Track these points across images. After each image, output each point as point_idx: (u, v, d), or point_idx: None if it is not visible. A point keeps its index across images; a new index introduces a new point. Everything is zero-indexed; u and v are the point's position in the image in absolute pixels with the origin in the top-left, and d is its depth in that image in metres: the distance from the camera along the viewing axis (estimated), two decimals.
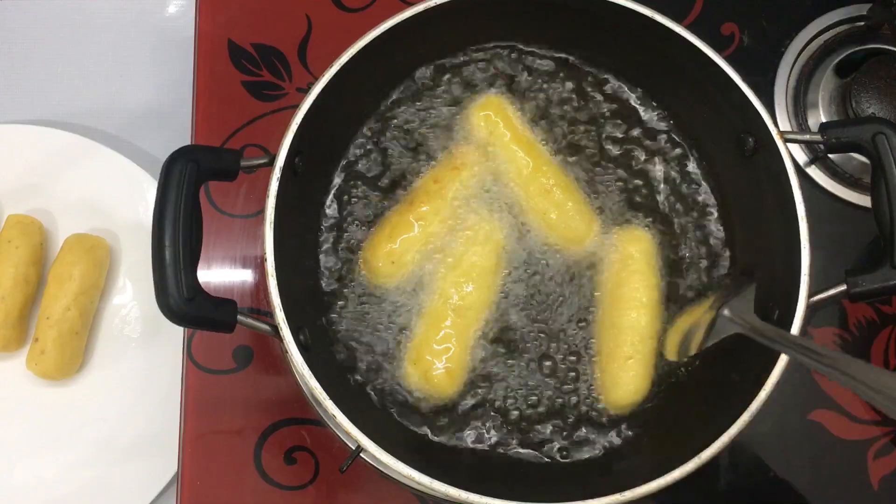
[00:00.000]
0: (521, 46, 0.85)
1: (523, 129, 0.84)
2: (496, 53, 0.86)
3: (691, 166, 0.84)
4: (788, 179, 0.72)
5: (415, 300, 0.79)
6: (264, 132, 0.94)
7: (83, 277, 0.97)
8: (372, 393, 0.77)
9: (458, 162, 0.82)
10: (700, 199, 0.83)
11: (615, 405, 0.77)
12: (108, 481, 0.96)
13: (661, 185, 0.83)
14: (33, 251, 0.99)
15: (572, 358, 0.79)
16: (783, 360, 0.68)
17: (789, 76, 0.98)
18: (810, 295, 0.69)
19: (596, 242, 0.81)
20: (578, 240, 0.81)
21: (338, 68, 0.73)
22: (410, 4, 0.76)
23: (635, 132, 0.85)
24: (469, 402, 0.78)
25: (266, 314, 0.88)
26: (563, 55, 0.86)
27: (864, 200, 0.93)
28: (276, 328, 0.67)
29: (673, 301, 0.80)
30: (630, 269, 0.80)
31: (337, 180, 0.82)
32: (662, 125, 0.85)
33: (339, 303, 0.79)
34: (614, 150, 0.84)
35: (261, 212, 0.70)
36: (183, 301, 0.63)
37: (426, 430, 0.77)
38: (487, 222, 0.81)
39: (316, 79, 0.73)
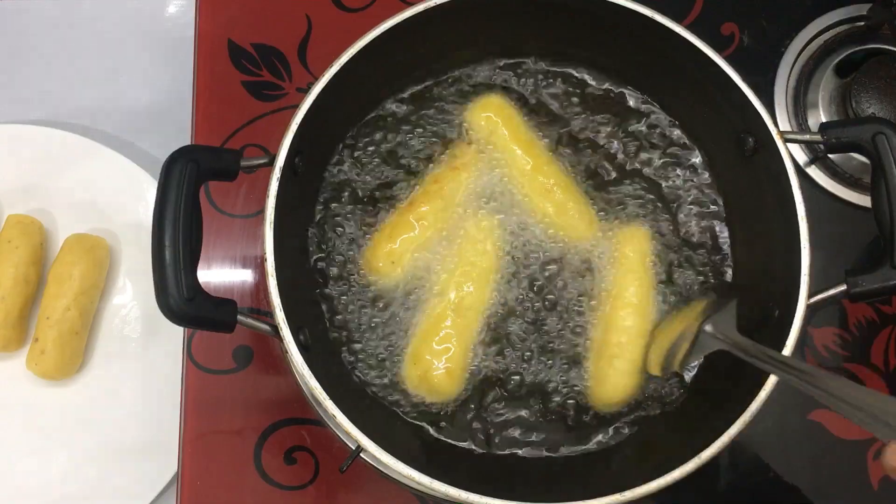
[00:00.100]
0: (521, 46, 0.85)
1: (523, 130, 0.84)
2: (496, 53, 0.86)
3: (691, 166, 0.84)
4: (788, 179, 0.71)
5: (414, 300, 0.79)
6: (264, 132, 0.93)
7: (83, 277, 0.97)
8: (372, 393, 0.78)
9: (458, 162, 0.82)
10: (700, 198, 0.83)
11: (603, 403, 0.77)
12: (108, 481, 0.96)
13: (661, 185, 0.83)
14: (33, 251, 0.99)
15: (571, 358, 0.79)
16: None
17: (789, 76, 0.97)
18: (810, 295, 0.69)
19: (596, 242, 0.81)
20: (579, 239, 0.81)
21: (338, 68, 0.73)
22: (410, 4, 0.76)
23: (635, 132, 0.85)
24: (469, 401, 0.78)
25: (266, 314, 0.88)
26: (562, 55, 0.86)
27: (864, 200, 0.93)
28: (276, 328, 0.67)
29: (668, 302, 0.80)
30: (625, 268, 0.80)
31: (336, 180, 0.82)
32: (662, 125, 0.85)
33: (340, 302, 0.79)
34: (613, 151, 0.84)
35: (261, 212, 0.70)
36: (183, 301, 0.63)
37: (426, 430, 0.77)
38: (487, 222, 0.81)
39: (316, 79, 0.73)
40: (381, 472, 0.80)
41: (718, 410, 0.71)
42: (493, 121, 0.83)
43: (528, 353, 0.79)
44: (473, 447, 0.77)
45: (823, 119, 0.95)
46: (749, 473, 0.87)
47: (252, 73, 0.96)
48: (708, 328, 0.70)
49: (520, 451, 0.77)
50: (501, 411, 0.78)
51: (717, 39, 0.97)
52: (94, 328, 1.01)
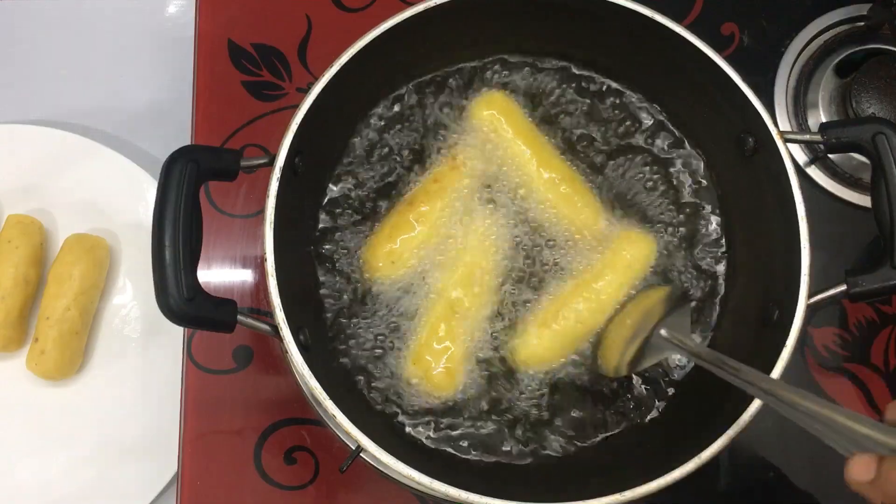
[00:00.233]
0: (521, 46, 0.85)
1: (527, 126, 0.84)
2: (496, 53, 0.86)
3: (691, 166, 0.84)
4: (788, 179, 0.72)
5: (415, 300, 0.79)
6: (264, 132, 0.94)
7: (83, 277, 0.97)
8: (372, 393, 0.78)
9: (457, 161, 0.82)
10: (699, 198, 0.83)
11: (521, 359, 0.78)
12: (108, 481, 0.96)
13: (661, 184, 0.83)
14: (33, 251, 0.99)
15: (573, 356, 0.79)
16: (783, 360, 0.68)
17: (789, 76, 0.98)
18: (810, 295, 0.69)
19: (600, 238, 0.81)
20: (583, 234, 0.81)
21: (338, 68, 0.73)
22: (410, 4, 0.76)
23: (634, 132, 0.85)
24: (469, 401, 0.78)
25: (266, 314, 0.88)
26: (562, 55, 0.86)
27: (864, 200, 0.93)
28: (276, 328, 0.67)
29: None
30: (613, 263, 0.79)
31: (336, 180, 0.82)
32: (661, 125, 0.85)
33: (340, 302, 0.79)
34: (613, 150, 0.84)
35: (261, 212, 0.70)
36: (183, 301, 0.63)
37: (427, 430, 0.77)
38: (488, 221, 0.81)
39: (316, 79, 0.73)
40: (381, 472, 0.80)
41: (718, 410, 0.71)
42: (496, 117, 0.83)
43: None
44: (474, 447, 0.77)
45: (823, 119, 0.95)
46: (749, 473, 0.87)
47: (252, 73, 0.96)
48: (663, 332, 0.70)
49: (520, 451, 0.77)
50: (502, 410, 0.78)
51: (717, 39, 0.97)
52: (94, 328, 1.01)
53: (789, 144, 0.73)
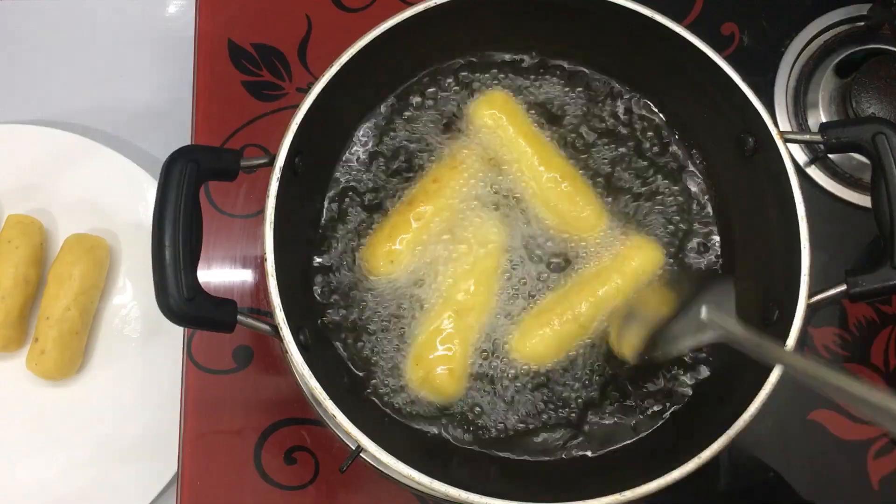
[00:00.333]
0: (521, 46, 0.85)
1: (528, 125, 0.84)
2: (496, 53, 0.86)
3: (690, 166, 0.84)
4: (788, 179, 0.72)
5: (415, 300, 0.79)
6: (264, 132, 0.94)
7: (83, 277, 0.97)
8: (372, 393, 0.78)
9: (457, 161, 0.82)
10: (699, 198, 0.83)
11: (522, 359, 0.78)
12: (108, 481, 0.96)
13: (660, 184, 0.83)
14: (33, 251, 0.99)
15: (573, 357, 0.79)
16: None
17: (789, 76, 0.98)
18: (810, 295, 0.69)
19: (602, 237, 0.81)
20: (585, 234, 0.81)
21: (338, 68, 0.73)
22: (410, 4, 0.76)
23: (634, 132, 0.85)
24: (470, 402, 0.77)
25: (266, 314, 0.88)
26: (562, 55, 0.86)
27: (864, 200, 0.93)
28: (276, 328, 0.67)
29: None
30: (618, 269, 0.79)
31: (337, 180, 0.82)
32: (661, 125, 0.85)
33: (340, 302, 0.79)
34: (613, 149, 0.84)
35: (261, 212, 0.70)
36: (183, 301, 0.63)
37: (427, 430, 0.77)
38: (488, 221, 0.81)
39: (316, 79, 0.73)
40: (381, 472, 0.80)
41: (718, 410, 0.71)
42: (497, 116, 0.83)
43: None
44: (474, 447, 0.77)
45: (823, 119, 0.95)
46: (749, 473, 0.87)
47: (252, 73, 0.96)
48: (704, 315, 0.64)
49: (521, 451, 0.77)
50: (503, 411, 0.78)
51: (717, 39, 0.97)
52: (94, 328, 1.01)
53: (789, 144, 0.73)
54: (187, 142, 0.94)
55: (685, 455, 0.66)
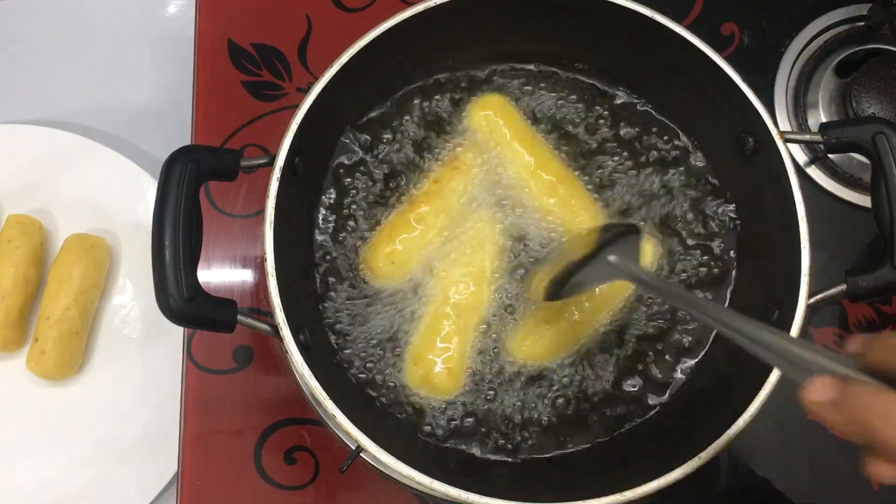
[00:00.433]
0: (521, 46, 0.85)
1: (524, 127, 0.84)
2: (496, 53, 0.86)
3: (690, 166, 0.84)
4: (788, 179, 0.72)
5: (415, 300, 0.79)
6: (264, 132, 0.94)
7: (83, 277, 0.97)
8: (372, 393, 0.78)
9: (458, 162, 0.82)
10: (699, 198, 0.83)
11: (521, 359, 0.78)
12: (108, 481, 0.96)
13: (660, 184, 0.83)
14: (33, 251, 0.99)
15: (572, 356, 0.79)
16: None
17: (789, 76, 0.98)
18: (810, 295, 0.69)
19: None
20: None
21: (338, 68, 0.73)
22: (410, 4, 0.76)
23: (634, 131, 0.85)
24: (470, 401, 0.78)
25: (266, 314, 0.88)
26: (562, 55, 0.86)
27: (864, 200, 0.93)
28: (276, 328, 0.67)
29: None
30: None
31: (336, 180, 0.82)
32: (661, 125, 0.85)
33: (340, 303, 0.79)
34: (612, 149, 0.84)
35: (261, 212, 0.70)
36: (183, 301, 0.63)
37: (426, 430, 0.77)
38: (488, 222, 0.81)
39: (316, 79, 0.73)
40: (381, 472, 0.80)
41: (718, 410, 0.71)
42: (493, 119, 0.83)
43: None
44: (474, 447, 0.77)
45: (823, 119, 0.95)
46: (749, 473, 0.87)
47: (252, 73, 0.96)
48: (611, 258, 0.69)
49: (521, 451, 0.77)
50: (503, 410, 0.77)
51: (717, 39, 0.97)
52: (94, 328, 1.01)
53: (789, 144, 0.73)
54: (187, 142, 0.94)
55: (685, 455, 0.66)
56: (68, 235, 1.00)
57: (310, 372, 0.66)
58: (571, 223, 0.81)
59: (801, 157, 0.95)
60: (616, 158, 0.84)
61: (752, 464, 0.87)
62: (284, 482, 0.85)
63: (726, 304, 0.81)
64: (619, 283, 0.79)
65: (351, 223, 0.81)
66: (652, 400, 0.78)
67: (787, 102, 0.97)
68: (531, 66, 0.86)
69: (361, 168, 0.83)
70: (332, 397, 0.66)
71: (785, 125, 0.96)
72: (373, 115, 0.84)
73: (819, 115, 0.96)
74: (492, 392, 0.78)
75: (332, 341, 0.78)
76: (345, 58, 0.74)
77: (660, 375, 0.79)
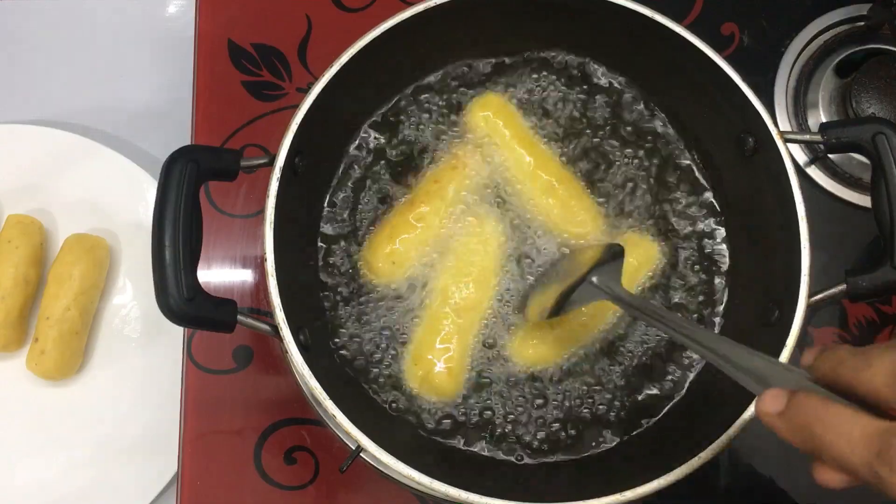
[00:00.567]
0: (521, 46, 0.85)
1: (523, 128, 0.84)
2: (496, 53, 0.86)
3: (689, 166, 0.84)
4: (788, 179, 0.72)
5: (415, 300, 0.79)
6: (264, 132, 0.94)
7: (83, 277, 0.97)
8: (372, 393, 0.78)
9: (458, 162, 0.82)
10: (698, 199, 0.83)
11: (522, 359, 0.78)
12: (108, 481, 0.96)
13: (660, 184, 0.83)
14: (33, 251, 0.99)
15: (573, 358, 0.79)
16: (783, 360, 0.68)
17: (789, 76, 0.98)
18: (810, 295, 0.69)
19: (599, 239, 0.81)
20: (582, 236, 0.81)
21: (338, 68, 0.73)
22: (410, 4, 0.76)
23: (634, 132, 0.85)
24: (470, 401, 0.78)
25: (266, 314, 0.88)
26: (562, 55, 0.86)
27: (864, 200, 0.93)
28: (276, 328, 0.67)
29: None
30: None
31: (336, 180, 0.82)
32: (661, 125, 0.85)
33: (340, 303, 0.79)
34: (611, 149, 0.84)
35: (261, 212, 0.70)
36: (183, 301, 0.63)
37: (426, 430, 0.77)
38: (488, 222, 0.81)
39: (316, 79, 0.73)
40: (381, 472, 0.79)
41: (718, 410, 0.71)
42: (492, 120, 0.83)
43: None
44: (474, 447, 0.77)
45: (823, 119, 0.95)
46: (749, 473, 0.87)
47: (252, 73, 0.96)
48: (594, 279, 0.71)
49: (521, 452, 0.77)
50: (503, 410, 0.78)
51: (717, 39, 0.97)
52: (94, 328, 1.01)
53: (789, 144, 0.73)
54: (187, 142, 0.94)
55: (685, 455, 0.66)
56: (68, 235, 1.00)
57: (310, 372, 0.66)
58: (570, 223, 0.81)
59: (801, 157, 0.95)
60: (615, 159, 0.84)
61: (752, 464, 0.87)
62: (284, 482, 0.85)
63: (725, 304, 0.81)
64: None
65: (351, 223, 0.81)
66: (652, 400, 0.78)
67: (787, 102, 0.97)
68: (531, 67, 0.86)
69: (361, 168, 0.83)
70: (332, 397, 0.66)
71: (785, 125, 0.96)
72: (373, 115, 0.84)
73: (819, 115, 0.96)
74: (492, 392, 0.78)
75: (333, 341, 0.78)
76: (345, 58, 0.74)
77: (660, 375, 0.79)
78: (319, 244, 0.81)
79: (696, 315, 0.80)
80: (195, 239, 0.66)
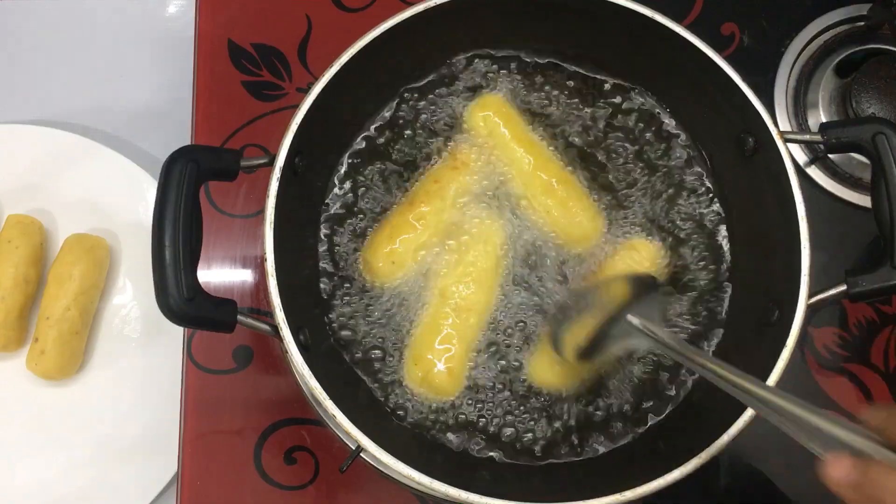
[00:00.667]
0: (521, 46, 0.85)
1: (523, 128, 0.84)
2: (496, 53, 0.86)
3: (690, 166, 0.84)
4: (788, 179, 0.72)
5: (415, 300, 0.79)
6: (264, 132, 0.94)
7: (83, 277, 0.97)
8: (372, 392, 0.77)
9: (458, 162, 0.82)
10: (699, 198, 0.83)
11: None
12: (108, 481, 0.96)
13: (659, 184, 0.83)
14: (33, 251, 0.99)
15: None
16: (783, 360, 0.68)
17: (789, 76, 0.98)
18: (810, 295, 0.69)
19: (600, 240, 0.81)
20: (582, 237, 0.81)
21: (338, 68, 0.73)
22: (410, 4, 0.76)
23: (634, 132, 0.85)
24: (470, 401, 0.77)
25: (266, 314, 0.88)
26: (562, 55, 0.86)
27: (864, 200, 0.93)
28: (276, 328, 0.67)
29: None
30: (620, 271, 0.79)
31: (336, 180, 0.82)
32: (661, 125, 0.85)
33: (340, 303, 0.79)
34: (611, 150, 0.84)
35: (261, 212, 0.70)
36: (183, 301, 0.63)
37: (426, 430, 0.77)
38: (488, 222, 0.81)
39: (316, 79, 0.73)
40: (381, 472, 0.80)
41: (719, 410, 0.71)
42: (492, 120, 0.83)
43: (531, 353, 0.78)
44: (474, 447, 0.77)
45: (823, 119, 0.95)
46: (749, 473, 0.87)
47: (252, 73, 0.96)
48: (633, 320, 0.67)
49: (521, 452, 0.77)
50: (503, 410, 0.78)
51: (717, 39, 0.97)
52: (94, 328, 1.01)
53: (789, 144, 0.73)
54: (187, 142, 0.94)
55: (685, 455, 0.66)
56: (68, 235, 1.00)
57: (310, 372, 0.66)
58: (570, 223, 0.81)
59: (801, 157, 0.95)
60: (615, 159, 0.84)
61: (752, 464, 0.87)
62: (284, 482, 0.85)
63: (726, 304, 0.81)
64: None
65: (351, 223, 0.81)
66: (653, 399, 0.78)
67: (787, 102, 0.97)
68: (530, 67, 0.86)
69: (361, 168, 0.83)
70: (332, 397, 0.66)
71: (785, 125, 0.96)
72: (373, 115, 0.84)
73: (819, 115, 0.96)
74: (493, 393, 0.78)
75: (333, 341, 0.78)
76: (345, 58, 0.74)
77: (660, 375, 0.79)
78: (319, 244, 0.81)
79: (696, 315, 0.80)
80: (195, 239, 0.66)
